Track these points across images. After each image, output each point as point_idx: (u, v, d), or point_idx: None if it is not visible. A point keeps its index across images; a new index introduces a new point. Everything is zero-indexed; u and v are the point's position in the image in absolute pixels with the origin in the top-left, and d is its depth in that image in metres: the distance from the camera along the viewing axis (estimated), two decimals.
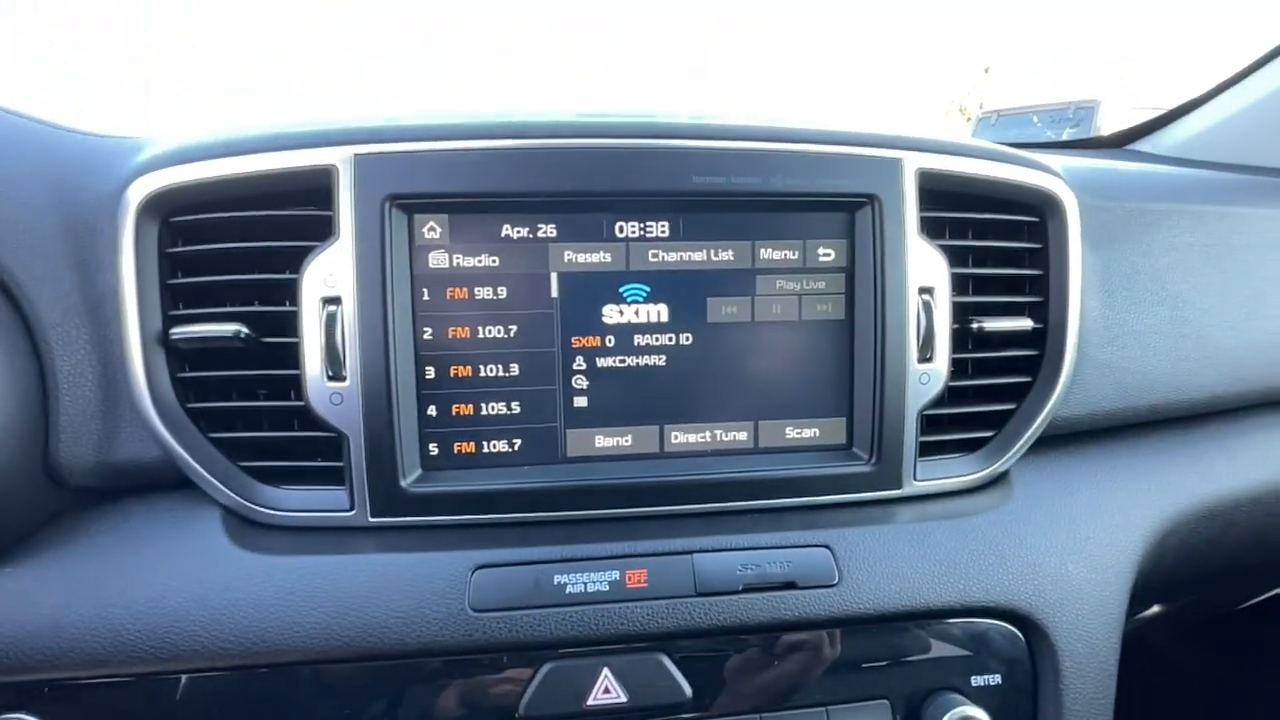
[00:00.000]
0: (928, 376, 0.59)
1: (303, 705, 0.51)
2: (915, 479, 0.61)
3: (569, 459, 0.57)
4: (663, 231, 0.57)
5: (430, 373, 0.55)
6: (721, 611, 0.53)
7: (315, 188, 0.53)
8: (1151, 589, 0.69)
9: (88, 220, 0.52)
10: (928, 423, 0.61)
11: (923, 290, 0.58)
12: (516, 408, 0.56)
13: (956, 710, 0.55)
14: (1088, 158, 0.87)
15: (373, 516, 0.54)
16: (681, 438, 0.59)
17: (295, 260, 0.53)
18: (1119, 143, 1.03)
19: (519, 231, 0.55)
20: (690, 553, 0.55)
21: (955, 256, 0.61)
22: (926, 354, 0.59)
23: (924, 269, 0.58)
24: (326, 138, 0.53)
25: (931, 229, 0.60)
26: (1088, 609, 0.59)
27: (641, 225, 0.56)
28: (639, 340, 0.57)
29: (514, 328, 0.56)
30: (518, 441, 0.57)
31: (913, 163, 0.58)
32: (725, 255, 0.57)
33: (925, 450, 0.61)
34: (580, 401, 0.57)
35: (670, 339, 0.57)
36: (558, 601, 0.52)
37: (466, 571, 0.52)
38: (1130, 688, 0.67)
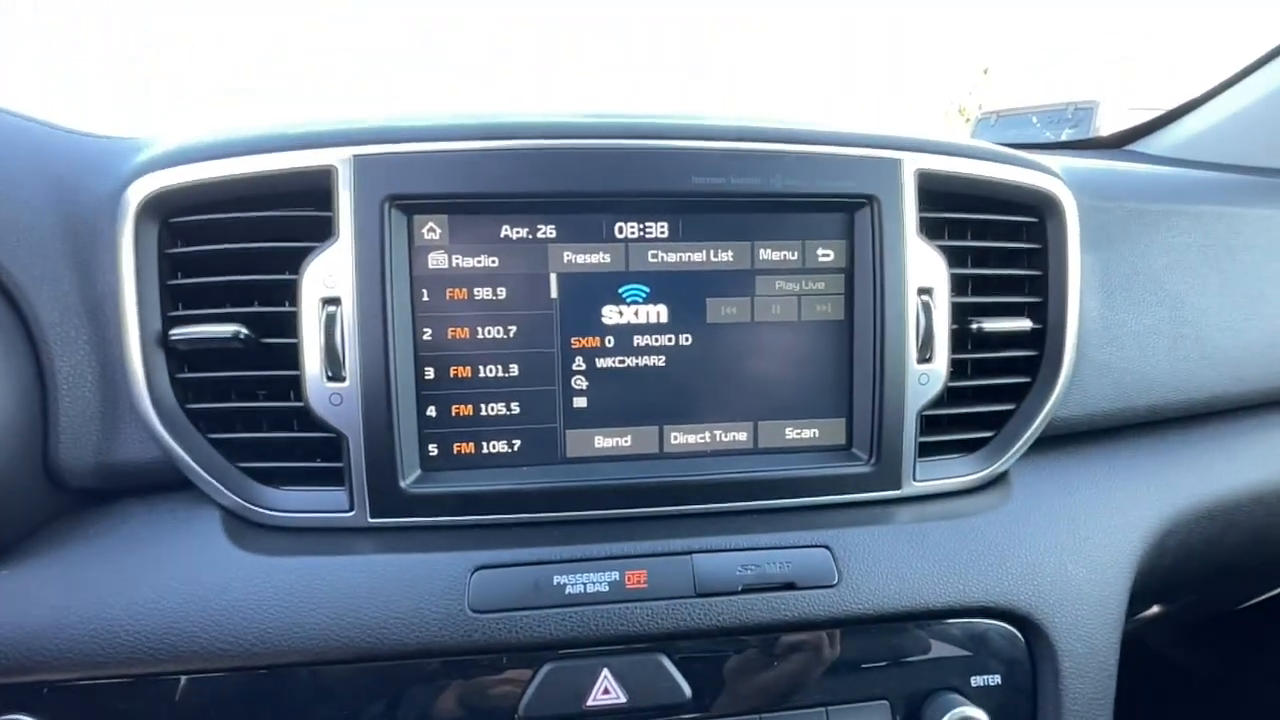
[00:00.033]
0: (927, 377, 0.59)
1: (302, 706, 0.51)
2: (915, 479, 0.61)
3: (568, 459, 0.57)
4: (662, 232, 0.57)
5: (430, 373, 0.55)
6: (721, 612, 0.53)
7: (315, 188, 0.53)
8: (1151, 589, 0.69)
9: (87, 221, 0.52)
10: (927, 423, 0.61)
11: (922, 291, 0.58)
12: (516, 408, 0.56)
13: (956, 710, 0.55)
14: (1087, 158, 0.87)
15: (372, 517, 0.54)
16: (681, 438, 0.59)
17: (295, 261, 0.53)
18: (1118, 143, 1.04)
19: (518, 232, 0.55)
20: (690, 553, 0.55)
21: (954, 257, 0.61)
22: (926, 354, 0.59)
23: (923, 269, 0.58)
24: (326, 138, 0.53)
25: (931, 229, 0.60)
26: (1087, 609, 0.59)
27: (641, 226, 0.56)
28: (638, 341, 0.57)
29: (513, 328, 0.56)
30: (517, 442, 0.57)
31: (912, 163, 0.58)
32: (725, 256, 0.57)
33: (925, 451, 0.61)
34: (580, 402, 0.57)
35: (670, 339, 0.57)
36: (557, 602, 0.52)
37: (466, 572, 0.52)
38: (1130, 688, 0.67)
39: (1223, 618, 1.10)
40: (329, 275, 0.52)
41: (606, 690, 0.53)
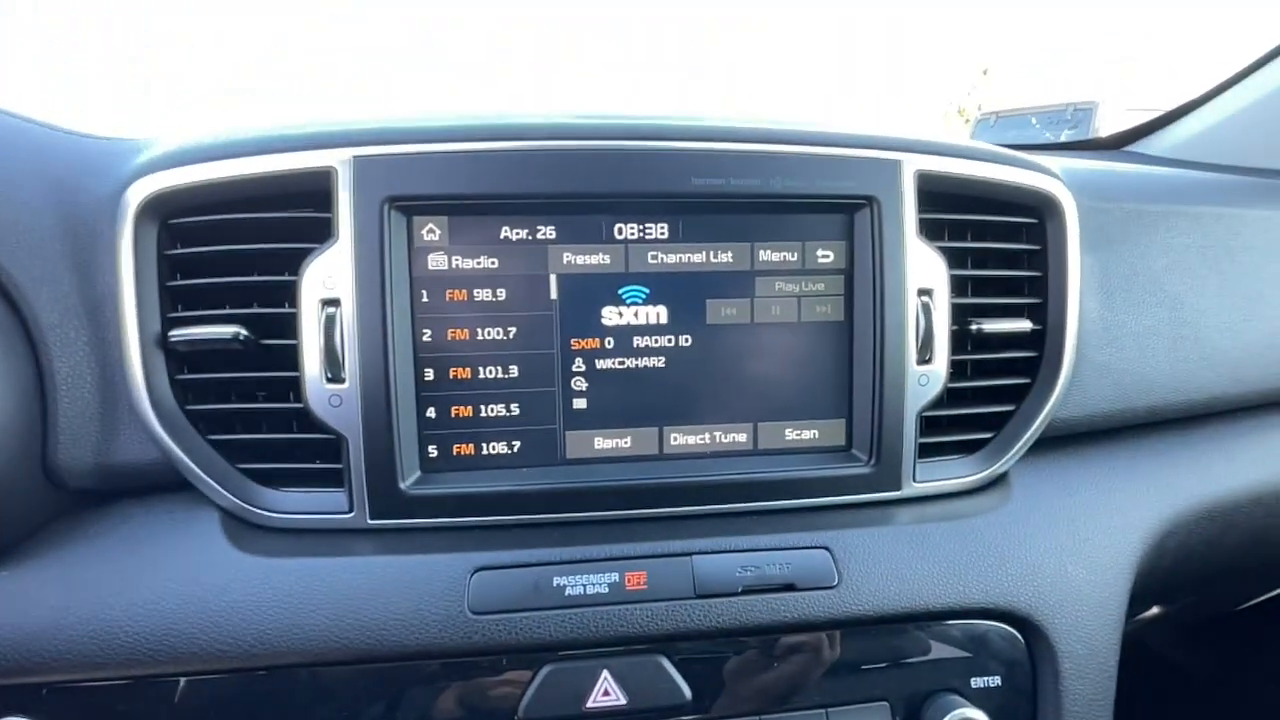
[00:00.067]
0: (927, 378, 0.59)
1: (301, 707, 0.51)
2: (914, 480, 0.61)
3: (568, 461, 0.57)
4: (662, 233, 0.57)
5: (429, 374, 0.55)
6: (721, 613, 0.53)
7: (314, 189, 0.53)
8: (1151, 590, 0.69)
9: (87, 222, 0.52)
10: (927, 424, 0.61)
11: (922, 292, 0.58)
12: (516, 409, 0.56)
13: (956, 712, 0.55)
14: (1086, 159, 0.87)
15: (372, 519, 0.54)
16: (681, 439, 0.59)
17: (294, 262, 0.53)
18: (1117, 144, 1.04)
19: (518, 233, 0.55)
20: (689, 554, 0.55)
21: (954, 258, 0.61)
22: (925, 355, 0.59)
23: (923, 271, 0.58)
24: (325, 139, 0.53)
25: (930, 231, 0.60)
26: (1087, 610, 0.59)
27: (641, 227, 0.56)
28: (638, 342, 0.57)
29: (513, 329, 0.56)
30: (517, 443, 0.57)
31: (911, 164, 0.58)
32: (724, 257, 0.57)
33: (924, 452, 0.61)
34: (579, 403, 0.57)
35: (669, 340, 0.57)
36: (557, 603, 0.52)
37: (466, 573, 0.52)
38: (1130, 689, 0.67)
39: (1222, 619, 1.10)
40: (328, 276, 0.52)
41: (606, 692, 0.53)
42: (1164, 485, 0.67)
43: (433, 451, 0.56)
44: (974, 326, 0.61)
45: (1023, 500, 0.62)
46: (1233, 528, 0.71)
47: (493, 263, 0.55)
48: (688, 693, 0.54)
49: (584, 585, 0.53)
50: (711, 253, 0.57)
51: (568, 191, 0.54)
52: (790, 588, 0.54)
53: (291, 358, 0.53)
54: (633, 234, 0.56)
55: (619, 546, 0.54)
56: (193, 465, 0.53)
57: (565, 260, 0.56)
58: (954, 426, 0.63)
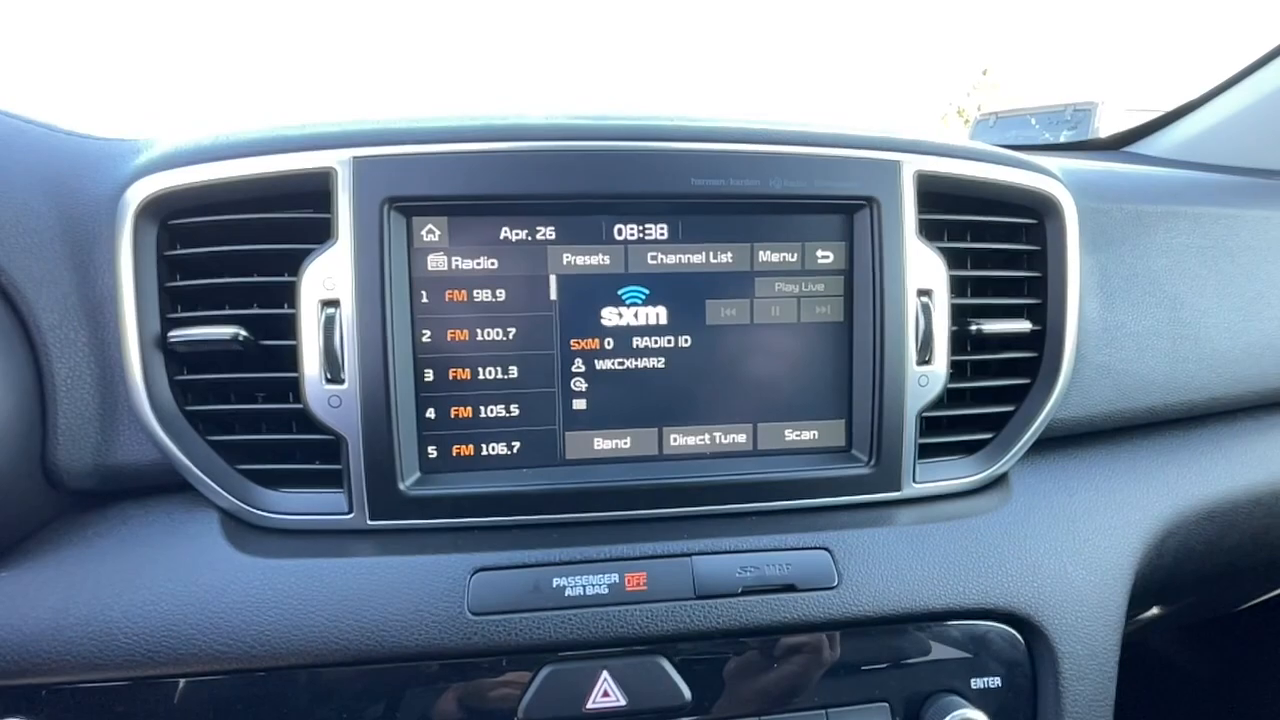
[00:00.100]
0: (926, 379, 0.59)
1: (301, 708, 0.51)
2: (914, 481, 0.61)
3: (568, 461, 0.57)
4: (661, 234, 0.57)
5: (429, 375, 0.55)
6: (721, 614, 0.53)
7: (314, 190, 0.53)
8: (1150, 591, 0.69)
9: (86, 223, 0.52)
10: (927, 425, 0.61)
11: (921, 292, 0.58)
12: (515, 410, 0.56)
13: (957, 713, 0.55)
14: (1085, 160, 0.87)
15: (371, 519, 0.54)
16: (680, 440, 0.58)
17: (294, 263, 0.53)
18: (1117, 145, 1.04)
19: (518, 234, 0.55)
20: (689, 555, 0.55)
21: (954, 259, 0.61)
22: (925, 356, 0.59)
23: (922, 271, 0.58)
24: (325, 140, 0.53)
25: (930, 231, 0.60)
26: (1087, 611, 0.59)
27: (640, 227, 0.56)
28: (638, 343, 0.57)
29: (513, 330, 0.56)
30: (516, 444, 0.57)
31: (911, 165, 0.58)
32: (724, 257, 0.57)
33: (924, 452, 0.61)
34: (579, 404, 0.57)
35: (669, 341, 0.57)
36: (557, 604, 0.52)
37: (465, 574, 0.52)
38: (1130, 689, 0.67)
39: (1222, 619, 1.10)
40: (328, 277, 0.52)
41: (606, 693, 0.53)
42: (1164, 486, 0.67)
43: (432, 452, 0.56)
44: (974, 327, 0.61)
45: (1023, 501, 0.62)
46: (1232, 528, 0.71)
47: (492, 263, 0.55)
48: (687, 693, 0.54)
49: (584, 586, 0.53)
50: (711, 253, 0.57)
51: (567, 192, 0.54)
52: (790, 588, 0.54)
53: (291, 358, 0.53)
54: (632, 234, 0.56)
55: (619, 547, 0.54)
56: (192, 466, 0.53)
57: (565, 261, 0.56)
58: (954, 427, 0.63)
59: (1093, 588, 0.60)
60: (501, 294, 0.55)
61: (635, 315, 0.57)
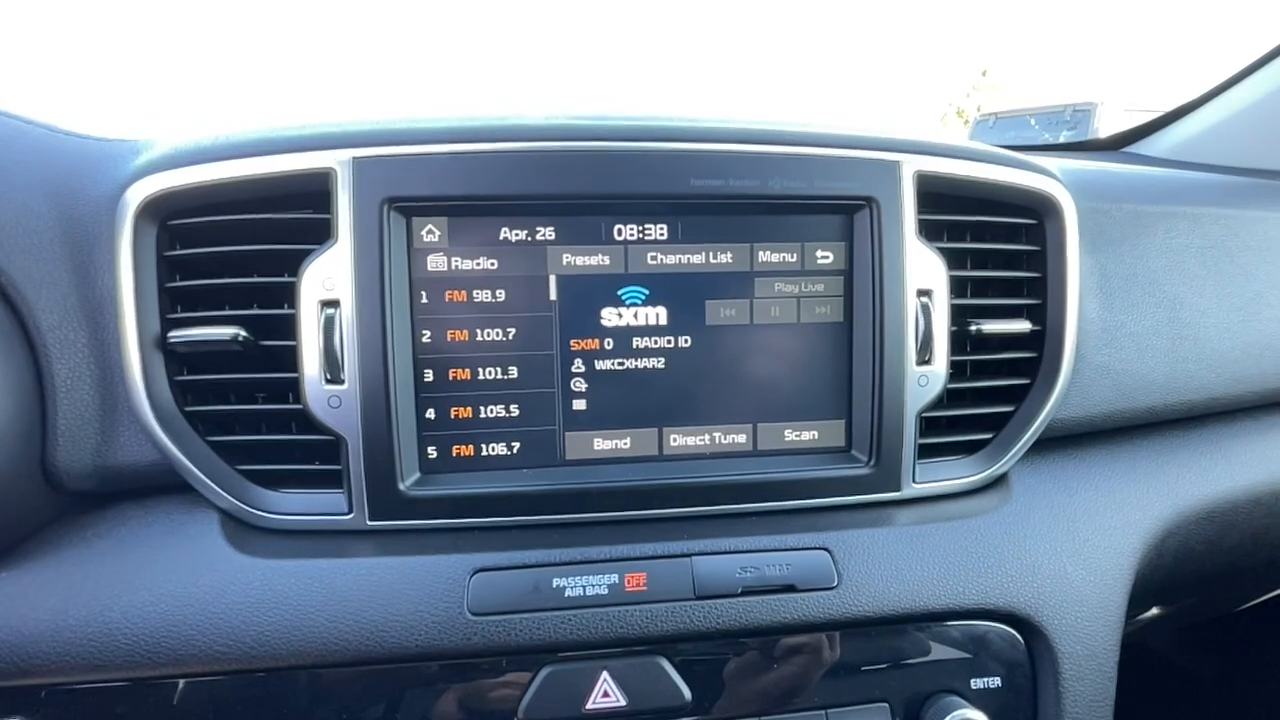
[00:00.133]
0: (926, 379, 0.59)
1: (300, 709, 0.51)
2: (914, 481, 0.61)
3: (567, 462, 0.57)
4: (661, 234, 0.57)
5: (429, 376, 0.55)
6: (721, 614, 0.53)
7: (314, 191, 0.53)
8: (1150, 591, 0.69)
9: (86, 223, 0.52)
10: (926, 425, 0.62)
11: (921, 293, 0.59)
12: (515, 410, 0.56)
13: (957, 713, 0.55)
14: (1085, 160, 0.87)
15: (371, 520, 0.54)
16: (680, 440, 0.58)
17: (293, 263, 0.53)
18: (1116, 145, 1.04)
19: (517, 234, 0.55)
20: (689, 555, 0.55)
21: (953, 259, 0.61)
22: (925, 356, 0.59)
23: (922, 271, 0.59)
24: (325, 140, 0.53)
25: (930, 231, 0.60)
26: (1087, 611, 0.59)
27: (640, 228, 0.56)
28: (638, 343, 0.57)
29: (512, 330, 0.56)
30: (516, 444, 0.57)
31: (911, 165, 0.58)
32: (724, 258, 0.57)
33: (924, 452, 0.61)
34: (579, 404, 0.57)
35: (669, 341, 0.57)
36: (556, 605, 0.52)
37: (465, 575, 0.52)
38: (1130, 690, 0.67)
39: (1223, 619, 1.10)
40: (328, 277, 0.52)
41: (606, 693, 0.53)
42: (1164, 486, 0.67)
43: (432, 453, 0.56)
44: (973, 327, 0.61)
45: (1023, 501, 0.62)
46: (1232, 528, 0.71)
47: (492, 264, 0.55)
48: (687, 694, 0.54)
49: (583, 586, 0.53)
50: (711, 254, 0.57)
51: (567, 192, 0.54)
52: (790, 589, 0.54)
53: (291, 359, 0.53)
54: (632, 235, 0.56)
55: (618, 548, 0.54)
56: (191, 467, 0.53)
57: (565, 261, 0.56)
58: (954, 427, 0.63)
59: (1092, 588, 0.60)
60: (501, 294, 0.55)
61: (635, 315, 0.57)
